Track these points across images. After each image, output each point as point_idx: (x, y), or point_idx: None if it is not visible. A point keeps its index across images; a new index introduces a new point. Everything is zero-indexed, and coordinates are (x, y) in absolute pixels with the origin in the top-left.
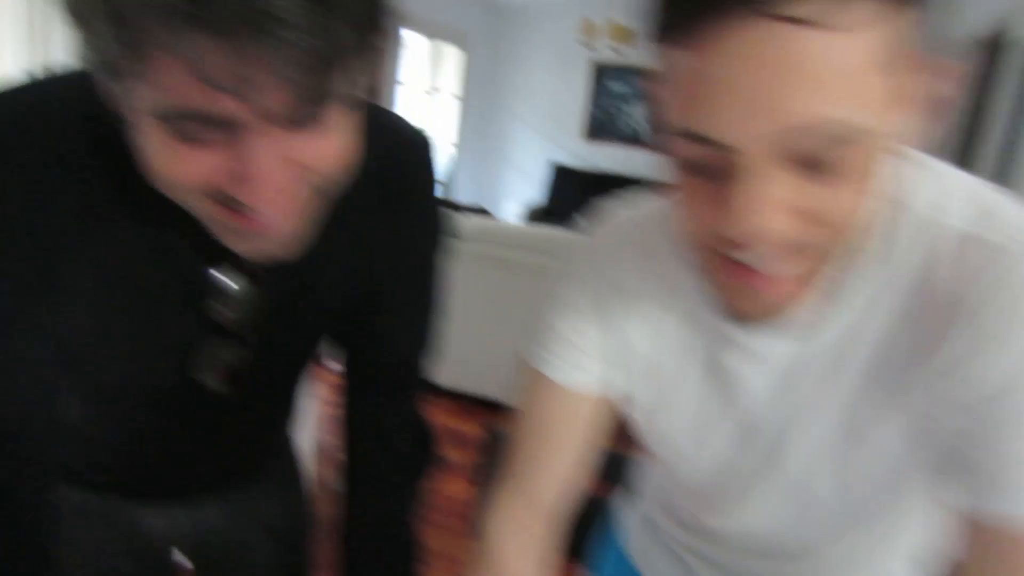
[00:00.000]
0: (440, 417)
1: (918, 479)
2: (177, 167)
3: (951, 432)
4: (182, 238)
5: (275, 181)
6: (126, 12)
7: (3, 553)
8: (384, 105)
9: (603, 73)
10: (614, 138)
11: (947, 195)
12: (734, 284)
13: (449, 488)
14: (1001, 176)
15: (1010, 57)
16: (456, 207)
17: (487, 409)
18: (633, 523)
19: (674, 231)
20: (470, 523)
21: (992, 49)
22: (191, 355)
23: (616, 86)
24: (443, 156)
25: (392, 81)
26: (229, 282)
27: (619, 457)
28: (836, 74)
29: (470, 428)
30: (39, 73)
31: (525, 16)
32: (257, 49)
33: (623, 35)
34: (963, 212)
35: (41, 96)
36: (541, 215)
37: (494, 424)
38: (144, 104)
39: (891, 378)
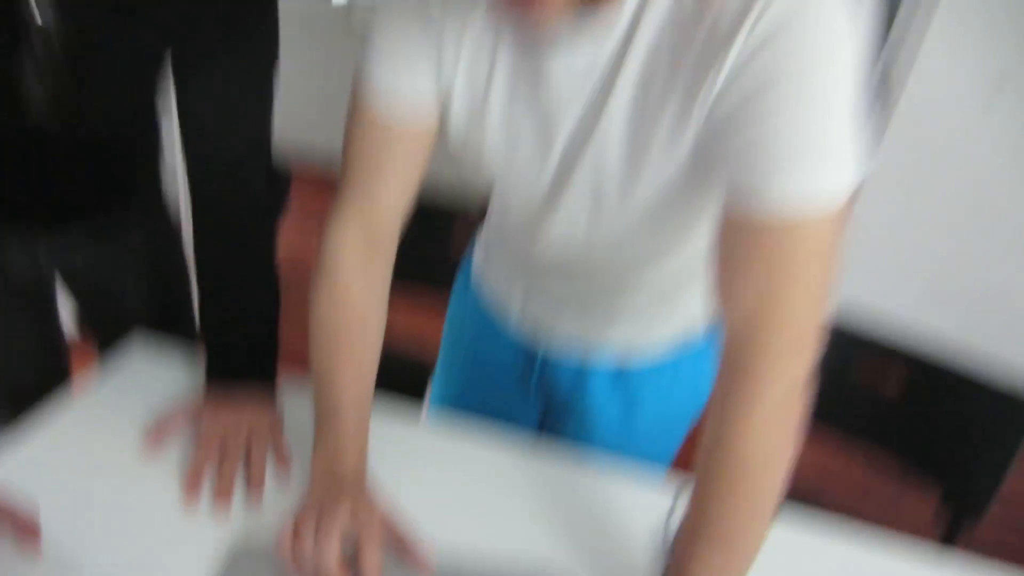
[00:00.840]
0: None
1: (692, 191)
2: None
3: (733, 126)
4: None
5: None
6: None
7: None
8: None
9: None
10: None
11: None
12: (510, 8)
13: None
14: None
15: None
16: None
17: None
18: (478, 245)
19: None
20: None
21: None
22: (23, 91)
23: None
24: None
25: None
26: (40, 13)
27: None
28: None
29: None
30: None
31: None
32: None
33: None
34: None
35: None
36: None
37: None
38: None
39: (668, 82)
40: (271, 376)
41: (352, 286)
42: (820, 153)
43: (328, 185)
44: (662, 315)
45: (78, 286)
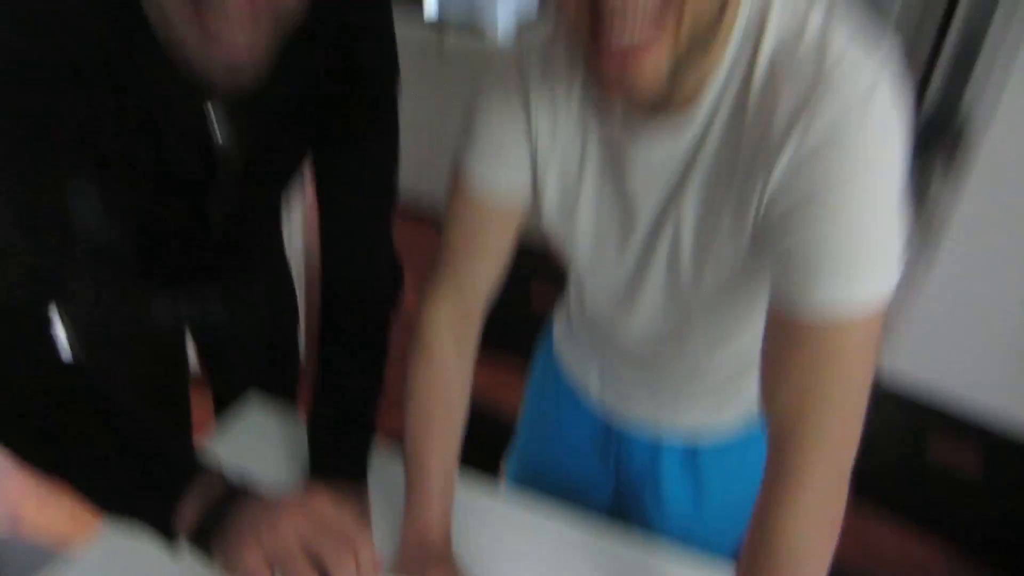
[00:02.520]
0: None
1: (755, 279)
2: None
3: (781, 230)
4: (180, 87)
5: None
6: None
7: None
8: None
9: None
10: None
11: (780, 6)
12: (603, 54)
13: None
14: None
15: None
16: (444, 27)
17: None
18: (559, 322)
19: (563, 30)
20: None
21: None
22: (196, 179)
23: None
24: None
25: None
26: (215, 111)
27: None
28: None
29: None
30: None
31: None
32: None
33: None
34: (785, 23)
35: None
36: (531, 31)
37: None
38: None
39: (728, 180)
40: (365, 471)
41: (446, 359)
42: (863, 261)
43: (410, 218)
44: (729, 398)
45: (204, 337)
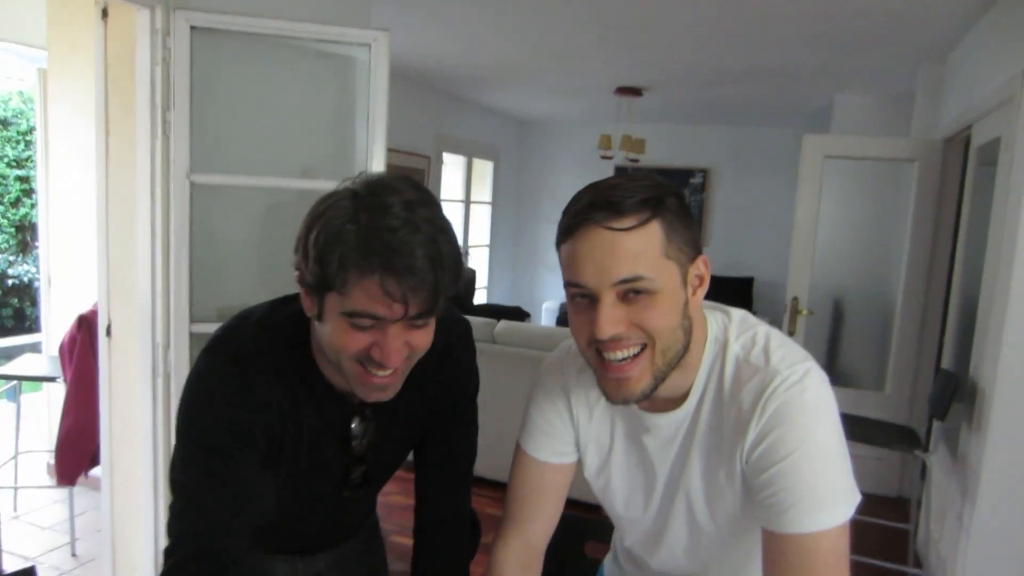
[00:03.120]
0: (478, 503)
1: (754, 518)
2: (347, 342)
3: (759, 483)
4: (336, 408)
5: (397, 351)
6: (344, 260)
7: None
8: None
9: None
10: None
11: (735, 332)
12: (605, 374)
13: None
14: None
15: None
16: (495, 311)
17: None
18: (608, 564)
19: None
20: None
21: (964, 148)
22: (338, 474)
23: None
24: (478, 259)
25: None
26: (357, 426)
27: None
28: (634, 252)
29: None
30: (267, 307)
31: (550, 131)
32: (410, 282)
33: (635, 145)
34: (741, 342)
35: (275, 330)
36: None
37: None
38: (336, 308)
39: (718, 448)
40: None
41: None
42: (821, 500)
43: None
44: None
45: None
